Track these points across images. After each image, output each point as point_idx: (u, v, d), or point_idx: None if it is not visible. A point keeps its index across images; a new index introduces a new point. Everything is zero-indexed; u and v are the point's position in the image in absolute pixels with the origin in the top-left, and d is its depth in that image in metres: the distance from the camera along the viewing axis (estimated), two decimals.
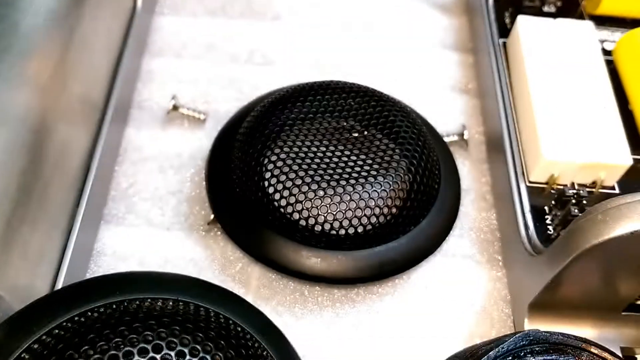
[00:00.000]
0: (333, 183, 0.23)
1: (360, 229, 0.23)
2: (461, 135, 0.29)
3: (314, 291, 0.25)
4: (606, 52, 0.29)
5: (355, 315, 0.24)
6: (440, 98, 0.31)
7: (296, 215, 0.23)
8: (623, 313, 0.23)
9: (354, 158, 0.24)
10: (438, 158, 0.26)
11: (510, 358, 0.18)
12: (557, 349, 0.19)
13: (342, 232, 0.23)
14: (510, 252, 0.26)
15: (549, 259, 0.21)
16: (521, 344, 0.18)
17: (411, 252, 0.24)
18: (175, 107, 0.29)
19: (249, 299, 0.24)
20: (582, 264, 0.20)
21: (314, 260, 0.23)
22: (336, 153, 0.24)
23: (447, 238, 0.25)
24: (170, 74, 0.31)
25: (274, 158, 0.24)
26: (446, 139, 0.28)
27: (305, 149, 0.24)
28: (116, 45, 0.28)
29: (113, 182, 0.27)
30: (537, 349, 0.18)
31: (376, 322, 0.24)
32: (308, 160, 0.24)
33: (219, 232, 0.26)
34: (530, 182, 0.26)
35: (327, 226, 0.23)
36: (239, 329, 0.19)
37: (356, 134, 0.25)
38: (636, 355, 0.23)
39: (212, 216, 0.25)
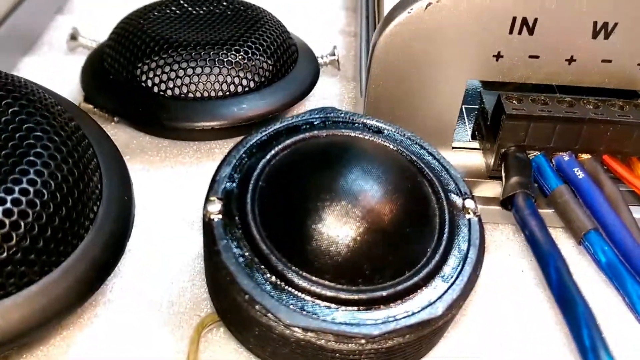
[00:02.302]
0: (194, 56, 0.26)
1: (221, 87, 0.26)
2: (332, 54, 0.32)
3: (175, 147, 0.27)
4: None
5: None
6: (325, 36, 0.35)
7: (163, 86, 0.26)
8: (453, 148, 0.24)
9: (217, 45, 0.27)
10: (297, 49, 0.30)
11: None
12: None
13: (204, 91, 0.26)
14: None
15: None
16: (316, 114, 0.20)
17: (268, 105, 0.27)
18: (73, 37, 0.32)
19: None
20: (383, 70, 0.22)
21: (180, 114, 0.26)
22: (199, 41, 0.27)
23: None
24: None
25: (144, 44, 0.27)
26: (321, 60, 0.32)
27: (171, 37, 0.27)
28: None
29: None
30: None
31: None
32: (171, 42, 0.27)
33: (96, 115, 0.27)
34: None
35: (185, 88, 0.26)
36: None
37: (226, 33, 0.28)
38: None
39: (83, 96, 0.27)
